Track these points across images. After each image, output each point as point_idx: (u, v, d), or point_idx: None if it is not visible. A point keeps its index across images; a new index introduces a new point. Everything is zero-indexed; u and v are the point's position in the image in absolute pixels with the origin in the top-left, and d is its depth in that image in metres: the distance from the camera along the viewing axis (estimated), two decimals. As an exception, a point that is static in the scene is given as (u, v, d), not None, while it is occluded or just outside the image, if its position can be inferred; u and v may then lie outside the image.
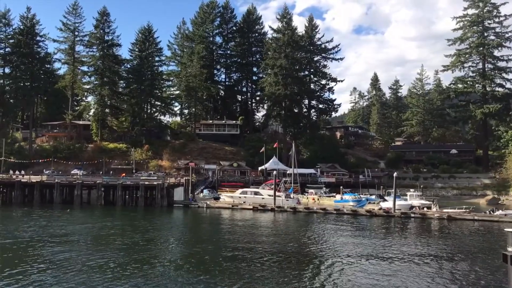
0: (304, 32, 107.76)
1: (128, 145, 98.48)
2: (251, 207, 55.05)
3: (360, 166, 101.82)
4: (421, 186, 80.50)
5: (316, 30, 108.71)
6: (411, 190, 63.16)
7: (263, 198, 57.69)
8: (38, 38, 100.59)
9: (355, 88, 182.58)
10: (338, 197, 68.88)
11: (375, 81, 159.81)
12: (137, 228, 41.11)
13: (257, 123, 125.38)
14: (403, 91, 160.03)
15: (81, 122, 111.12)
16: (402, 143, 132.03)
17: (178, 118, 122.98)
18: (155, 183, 57.68)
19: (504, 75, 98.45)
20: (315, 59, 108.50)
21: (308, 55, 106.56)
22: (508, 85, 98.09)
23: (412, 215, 48.26)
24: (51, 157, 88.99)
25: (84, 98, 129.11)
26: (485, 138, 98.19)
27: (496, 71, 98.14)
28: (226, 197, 61.34)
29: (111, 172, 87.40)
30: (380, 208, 51.89)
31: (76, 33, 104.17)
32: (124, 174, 75.42)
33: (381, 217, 49.11)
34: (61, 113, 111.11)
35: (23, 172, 74.47)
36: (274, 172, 59.09)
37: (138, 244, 31.83)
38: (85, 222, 44.18)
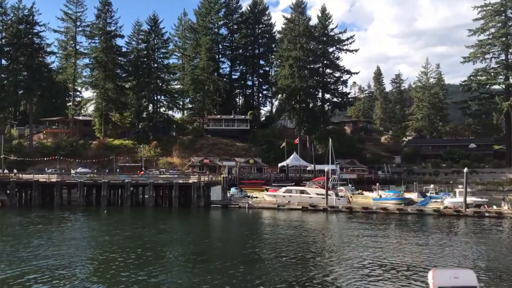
0: (317, 22, 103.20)
1: (134, 141, 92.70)
2: (300, 207, 50.14)
3: (377, 161, 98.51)
4: (451, 181, 77.22)
5: (330, 21, 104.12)
6: (460, 186, 59.19)
7: (310, 197, 52.55)
8: (37, 28, 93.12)
9: (354, 83, 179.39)
10: (372, 194, 64.71)
11: (378, 75, 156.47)
12: (184, 232, 36.30)
13: (263, 118, 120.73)
14: (405, 86, 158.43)
15: (81, 118, 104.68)
16: (412, 137, 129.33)
17: (180, 114, 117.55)
18: (190, 181, 52.45)
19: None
20: (330, 50, 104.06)
21: (321, 46, 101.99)
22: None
23: (487, 214, 44.10)
24: (52, 154, 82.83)
25: (78, 94, 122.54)
26: (509, 131, 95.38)
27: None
28: (267, 196, 56.37)
29: (117, 170, 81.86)
30: (446, 207, 47.63)
31: (78, 23, 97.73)
32: (142, 173, 69.96)
33: (451, 217, 44.76)
34: (57, 108, 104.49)
35: (15, 171, 67.85)
36: (326, 169, 54.01)
37: (192, 257, 26.83)
38: (133, 227, 38.70)
